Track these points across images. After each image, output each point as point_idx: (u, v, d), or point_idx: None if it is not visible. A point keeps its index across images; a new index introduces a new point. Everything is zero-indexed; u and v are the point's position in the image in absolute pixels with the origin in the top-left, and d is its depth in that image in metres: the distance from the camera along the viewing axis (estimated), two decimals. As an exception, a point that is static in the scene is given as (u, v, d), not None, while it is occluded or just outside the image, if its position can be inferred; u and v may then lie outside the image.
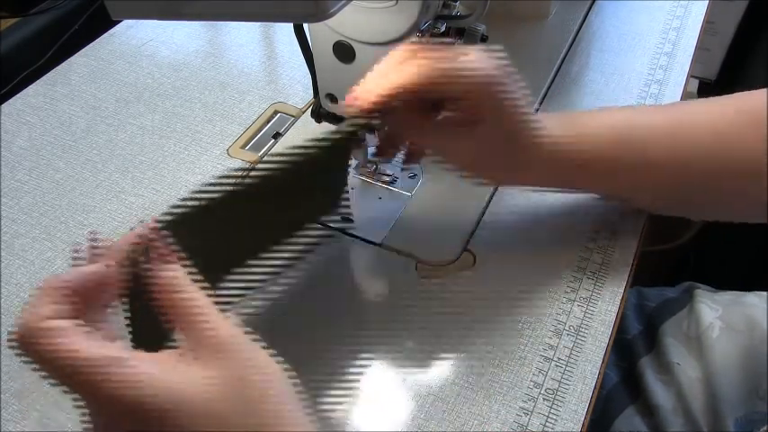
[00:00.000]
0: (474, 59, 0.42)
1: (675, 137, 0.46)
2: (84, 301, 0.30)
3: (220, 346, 0.30)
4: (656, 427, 0.55)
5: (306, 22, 0.47)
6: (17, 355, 0.29)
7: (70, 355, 0.28)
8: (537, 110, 0.64)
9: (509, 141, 0.45)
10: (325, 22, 0.45)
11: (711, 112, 0.47)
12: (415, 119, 0.44)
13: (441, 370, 0.45)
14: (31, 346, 0.29)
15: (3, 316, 0.48)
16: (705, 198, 0.48)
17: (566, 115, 0.48)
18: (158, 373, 0.29)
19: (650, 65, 0.68)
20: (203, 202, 0.36)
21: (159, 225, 0.32)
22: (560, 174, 0.48)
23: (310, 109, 0.54)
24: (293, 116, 0.64)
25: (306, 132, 0.61)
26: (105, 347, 0.29)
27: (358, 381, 0.45)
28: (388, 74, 0.41)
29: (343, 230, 0.53)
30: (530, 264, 0.51)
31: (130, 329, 0.33)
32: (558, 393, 0.44)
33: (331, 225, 0.53)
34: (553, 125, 0.46)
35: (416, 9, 0.43)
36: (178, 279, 0.31)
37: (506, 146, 0.45)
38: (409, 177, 0.57)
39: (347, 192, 0.48)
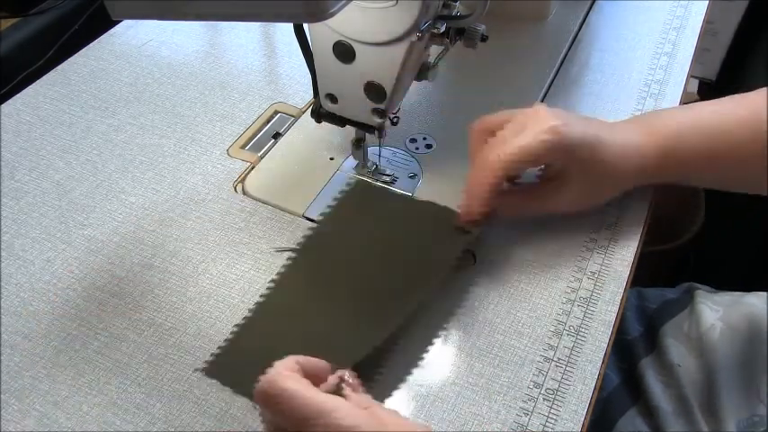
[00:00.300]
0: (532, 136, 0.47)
1: (758, 122, 0.49)
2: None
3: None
4: (657, 429, 0.55)
5: (306, 22, 0.47)
6: (257, 401, 0.37)
7: (314, 399, 0.35)
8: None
9: (596, 178, 0.50)
10: (326, 22, 0.45)
11: None
12: (511, 200, 0.52)
13: (441, 370, 0.45)
14: (273, 395, 0.35)
15: (3, 316, 0.48)
16: None
17: (640, 120, 0.53)
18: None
19: (650, 65, 0.68)
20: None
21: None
22: (644, 175, 0.52)
23: (310, 109, 0.54)
24: (293, 116, 0.64)
25: (306, 132, 0.61)
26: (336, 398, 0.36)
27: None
28: (481, 179, 0.48)
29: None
30: (530, 264, 0.51)
31: None
32: (558, 393, 0.44)
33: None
34: (630, 134, 0.50)
35: (416, 9, 0.43)
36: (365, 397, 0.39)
37: (594, 182, 0.50)
38: (409, 177, 0.57)
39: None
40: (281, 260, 0.51)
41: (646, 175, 0.51)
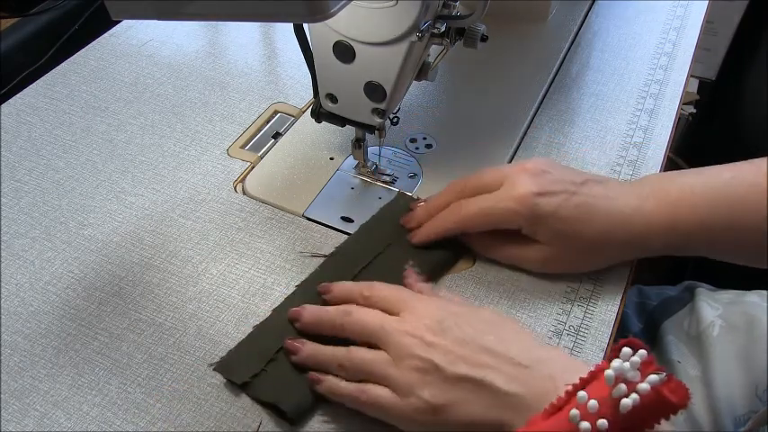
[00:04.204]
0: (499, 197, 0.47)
1: None
2: None
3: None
4: (655, 427, 0.55)
5: (306, 22, 0.47)
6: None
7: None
8: (536, 112, 0.64)
9: (572, 248, 0.48)
10: (326, 22, 0.45)
11: None
12: (484, 239, 0.50)
13: (441, 370, 0.45)
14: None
15: (3, 316, 0.48)
16: None
17: (647, 185, 0.49)
18: None
19: (650, 65, 0.68)
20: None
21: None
22: (645, 249, 0.48)
23: (310, 109, 0.54)
24: (293, 116, 0.64)
25: (306, 132, 0.61)
26: None
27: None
28: (437, 218, 0.50)
29: (343, 231, 0.53)
30: (530, 264, 0.51)
31: None
32: (559, 393, 0.44)
33: (331, 226, 0.53)
34: (632, 201, 0.47)
35: (416, 9, 0.43)
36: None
37: (569, 251, 0.48)
38: (409, 177, 0.57)
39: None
40: (281, 261, 0.51)
41: (648, 249, 0.48)
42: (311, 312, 0.45)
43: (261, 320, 0.47)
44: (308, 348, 0.43)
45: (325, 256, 0.51)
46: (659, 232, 0.46)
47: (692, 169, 0.49)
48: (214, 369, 0.44)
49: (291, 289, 0.49)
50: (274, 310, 0.47)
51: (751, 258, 0.48)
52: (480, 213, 0.48)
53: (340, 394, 0.41)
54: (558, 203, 0.46)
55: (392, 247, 0.51)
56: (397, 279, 0.48)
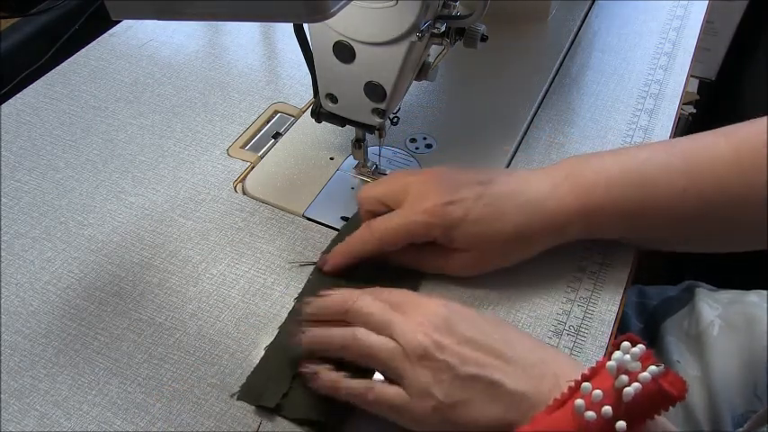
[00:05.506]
0: (403, 215, 0.47)
1: (690, 173, 0.45)
2: None
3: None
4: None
5: (306, 22, 0.47)
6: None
7: None
8: (536, 112, 0.64)
9: (489, 247, 0.47)
10: (326, 22, 0.45)
11: (717, 146, 0.45)
12: (407, 253, 0.49)
13: (441, 370, 0.45)
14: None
15: (3, 316, 0.48)
16: (723, 230, 0.47)
17: (563, 170, 0.48)
18: None
19: (650, 65, 0.68)
20: None
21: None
22: (564, 235, 0.48)
23: (310, 109, 0.54)
24: (293, 116, 0.64)
25: (306, 132, 0.61)
26: None
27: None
28: (348, 241, 0.49)
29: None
30: (530, 263, 0.51)
31: None
32: (558, 393, 0.44)
33: (331, 226, 0.53)
34: (545, 187, 0.47)
35: (416, 9, 0.43)
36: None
37: (488, 250, 0.47)
38: (409, 177, 0.57)
39: None
40: (281, 261, 0.51)
41: (567, 234, 0.48)
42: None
43: (260, 319, 0.47)
44: (312, 333, 0.43)
45: (314, 263, 0.51)
46: (575, 217, 0.46)
47: (610, 150, 0.49)
48: (238, 399, 0.43)
49: (291, 289, 0.49)
50: (281, 328, 0.47)
51: (668, 242, 0.49)
52: (393, 232, 0.47)
53: (346, 389, 0.41)
54: (467, 207, 0.46)
55: None
56: (389, 273, 0.48)
